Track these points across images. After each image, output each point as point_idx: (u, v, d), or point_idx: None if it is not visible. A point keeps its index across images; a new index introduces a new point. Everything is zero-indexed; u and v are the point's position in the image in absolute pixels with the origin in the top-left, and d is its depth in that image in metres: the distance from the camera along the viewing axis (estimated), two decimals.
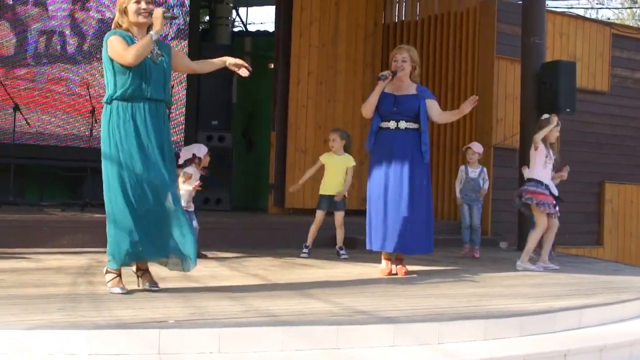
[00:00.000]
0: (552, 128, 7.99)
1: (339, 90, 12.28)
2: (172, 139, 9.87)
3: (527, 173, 8.10)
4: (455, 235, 9.55)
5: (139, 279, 5.51)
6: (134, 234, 5.25)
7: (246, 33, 15.65)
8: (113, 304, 4.87)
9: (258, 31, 15.78)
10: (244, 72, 5.84)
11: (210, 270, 6.96)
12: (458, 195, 9.41)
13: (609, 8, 30.15)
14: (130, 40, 5.34)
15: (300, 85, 12.02)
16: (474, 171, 9.33)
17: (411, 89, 7.09)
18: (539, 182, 7.94)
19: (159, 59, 5.44)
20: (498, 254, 9.73)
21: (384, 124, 7.03)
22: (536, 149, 7.96)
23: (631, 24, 26.73)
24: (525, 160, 8.77)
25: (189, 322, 4.38)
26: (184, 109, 12.21)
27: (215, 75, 12.38)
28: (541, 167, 7.97)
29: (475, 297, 5.93)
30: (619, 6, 30.56)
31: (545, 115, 8.31)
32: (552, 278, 7.45)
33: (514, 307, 5.52)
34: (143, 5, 5.39)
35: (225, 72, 12.41)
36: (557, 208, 8.09)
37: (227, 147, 12.07)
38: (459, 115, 7.13)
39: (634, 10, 31.40)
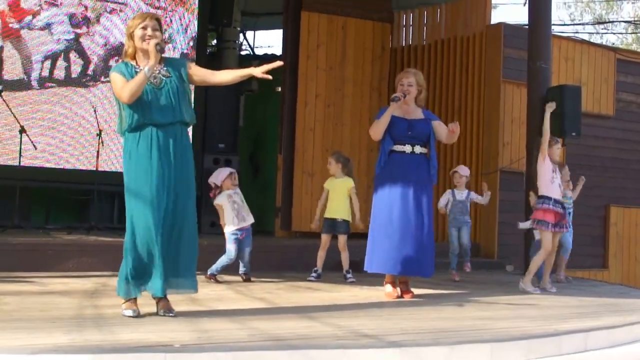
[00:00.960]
0: (548, 141, 8.08)
1: (346, 113, 12.29)
2: None
3: (538, 192, 8.14)
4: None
5: (157, 305, 5.46)
6: (135, 263, 5.29)
7: (253, 56, 15.69)
8: (119, 327, 4.86)
9: (265, 54, 15.81)
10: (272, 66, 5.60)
11: (216, 294, 6.96)
12: (442, 207, 9.28)
13: (614, 33, 30.28)
14: (128, 74, 5.37)
15: (307, 108, 12.04)
16: (461, 194, 9.28)
17: (419, 112, 7.11)
18: (546, 198, 7.97)
19: (163, 81, 5.45)
20: (504, 277, 9.71)
21: (398, 147, 7.00)
22: (543, 159, 7.99)
23: (636, 49, 26.82)
24: (531, 184, 8.82)
25: (195, 346, 4.36)
26: (190, 132, 12.20)
27: (222, 99, 12.53)
28: (549, 182, 8.00)
29: (481, 321, 5.91)
30: (623, 31, 30.71)
31: None
32: (558, 301, 7.43)
33: (520, 330, 5.50)
34: (149, 32, 5.40)
35: (232, 95, 12.58)
36: (565, 228, 8.13)
37: None
38: (454, 135, 7.03)
39: (639, 34, 31.52)
